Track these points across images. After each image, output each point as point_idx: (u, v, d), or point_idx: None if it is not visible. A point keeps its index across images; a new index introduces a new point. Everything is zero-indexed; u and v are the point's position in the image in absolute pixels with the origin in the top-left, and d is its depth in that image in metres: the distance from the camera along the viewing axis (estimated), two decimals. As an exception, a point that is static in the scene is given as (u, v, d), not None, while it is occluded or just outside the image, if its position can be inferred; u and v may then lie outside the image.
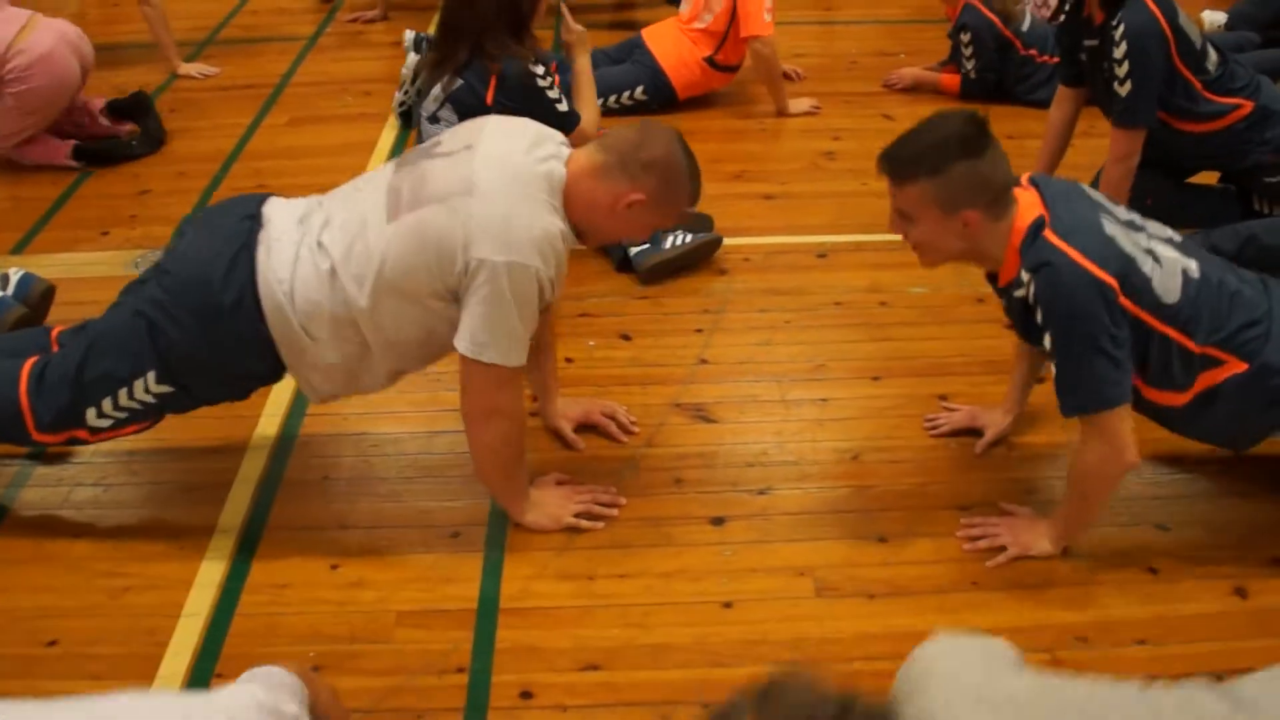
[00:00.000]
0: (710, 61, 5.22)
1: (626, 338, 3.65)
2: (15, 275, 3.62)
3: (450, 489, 3.03)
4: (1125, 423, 2.58)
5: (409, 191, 2.67)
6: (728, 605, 2.68)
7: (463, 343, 2.63)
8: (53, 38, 4.72)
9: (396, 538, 2.91)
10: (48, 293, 3.64)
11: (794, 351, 3.56)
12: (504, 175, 2.62)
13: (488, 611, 2.68)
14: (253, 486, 3.07)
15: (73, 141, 4.92)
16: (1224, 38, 5.41)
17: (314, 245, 2.70)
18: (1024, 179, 2.70)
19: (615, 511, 2.94)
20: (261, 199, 2.85)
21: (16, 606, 2.75)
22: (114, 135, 5.05)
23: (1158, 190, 3.92)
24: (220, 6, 6.83)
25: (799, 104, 5.23)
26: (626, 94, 5.19)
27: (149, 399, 2.79)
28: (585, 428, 3.25)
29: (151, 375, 2.75)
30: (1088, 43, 3.90)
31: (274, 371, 2.83)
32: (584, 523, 2.90)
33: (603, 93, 4.96)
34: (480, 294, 2.58)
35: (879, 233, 4.11)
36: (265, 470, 3.13)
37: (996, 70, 5.17)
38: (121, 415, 2.81)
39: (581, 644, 2.59)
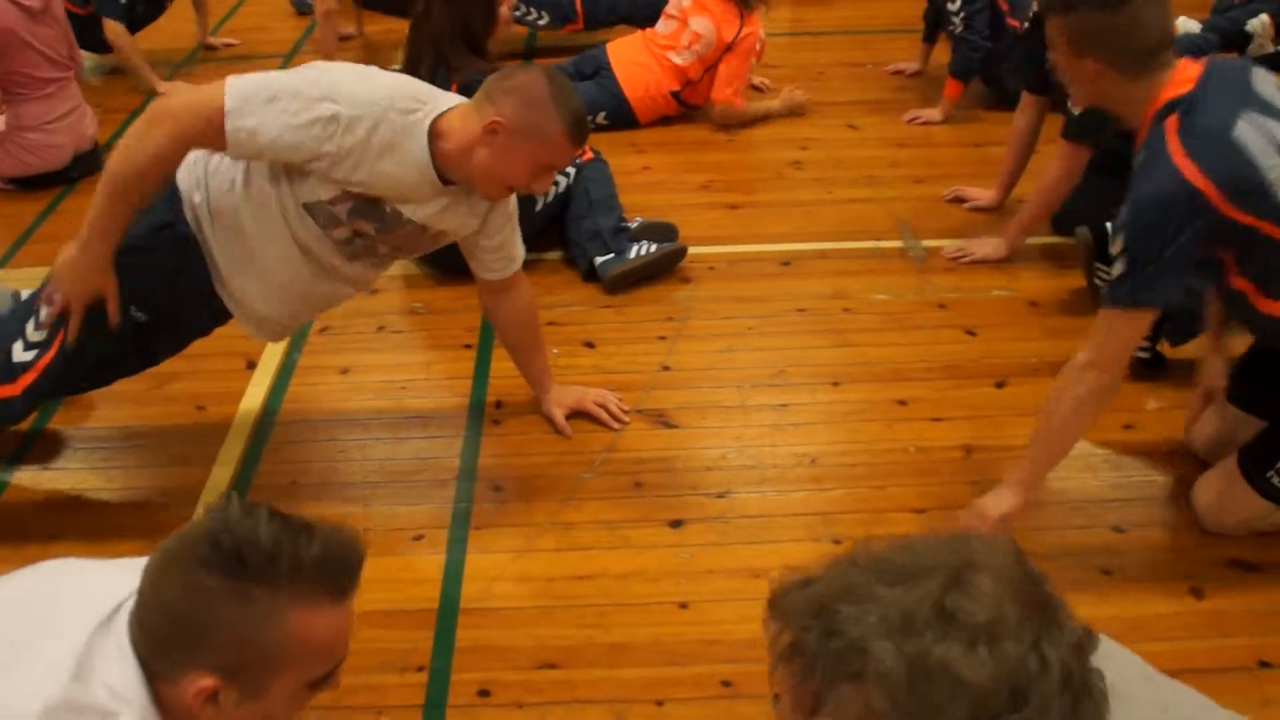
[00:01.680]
0: (676, 96, 5.26)
1: (590, 345, 3.69)
2: (26, 296, 3.66)
3: (415, 493, 3.08)
4: (1127, 334, 2.59)
5: None
6: (684, 606, 2.73)
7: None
8: (71, 139, 4.92)
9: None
10: None
11: (756, 358, 3.61)
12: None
13: (448, 612, 2.73)
14: (223, 490, 3.11)
15: None
16: (1188, 40, 5.45)
17: None
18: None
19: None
20: None
21: (-10, 609, 2.81)
22: None
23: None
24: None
25: (781, 104, 5.33)
26: (589, 118, 5.18)
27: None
28: (578, 414, 3.35)
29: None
30: (1051, 54, 3.93)
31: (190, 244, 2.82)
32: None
33: None
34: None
35: (844, 240, 4.21)
36: (235, 475, 3.18)
37: (987, 37, 5.04)
38: (41, 335, 2.81)
39: (540, 643, 2.64)
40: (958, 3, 5.06)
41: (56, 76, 4.86)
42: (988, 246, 4.06)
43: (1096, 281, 3.73)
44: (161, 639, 1.57)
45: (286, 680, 1.60)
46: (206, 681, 1.55)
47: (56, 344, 2.82)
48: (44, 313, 2.81)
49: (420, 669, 2.59)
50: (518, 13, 5.88)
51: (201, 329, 3.09)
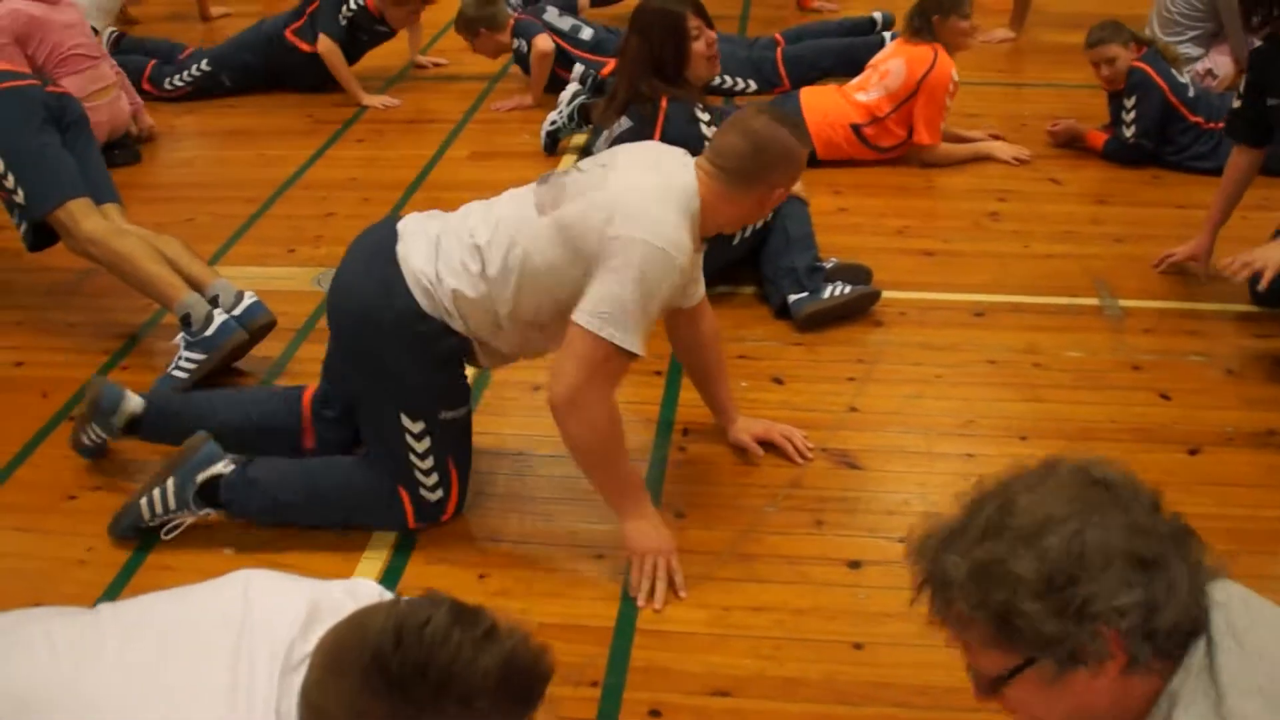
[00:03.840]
0: (856, 130, 5.22)
1: (779, 381, 3.72)
2: (247, 299, 3.82)
3: (597, 512, 3.12)
4: None
5: (550, 197, 2.84)
6: (859, 646, 2.73)
7: (582, 314, 2.72)
8: (108, 118, 5.49)
9: (543, 554, 3.03)
10: (268, 325, 3.84)
11: (944, 406, 3.59)
12: (640, 177, 2.82)
13: (624, 631, 2.78)
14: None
15: None
16: None
17: (457, 232, 2.89)
18: None
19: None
20: (394, 218, 3.05)
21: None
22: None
23: None
24: (409, 45, 7.10)
25: (1002, 149, 5.33)
26: None
27: (433, 432, 2.98)
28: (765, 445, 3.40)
29: (404, 419, 2.96)
30: None
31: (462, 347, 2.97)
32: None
33: None
34: (611, 265, 2.70)
35: (1039, 294, 4.16)
36: (425, 483, 3.26)
37: (1155, 138, 5.13)
38: (435, 478, 3.04)
39: (713, 670, 2.67)
40: (1132, 113, 5.12)
41: (86, 54, 5.39)
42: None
43: None
44: None
45: None
46: None
47: (453, 471, 3.05)
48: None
49: (594, 684, 2.64)
50: (726, 84, 6.01)
51: None
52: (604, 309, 2.69)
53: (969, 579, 1.50)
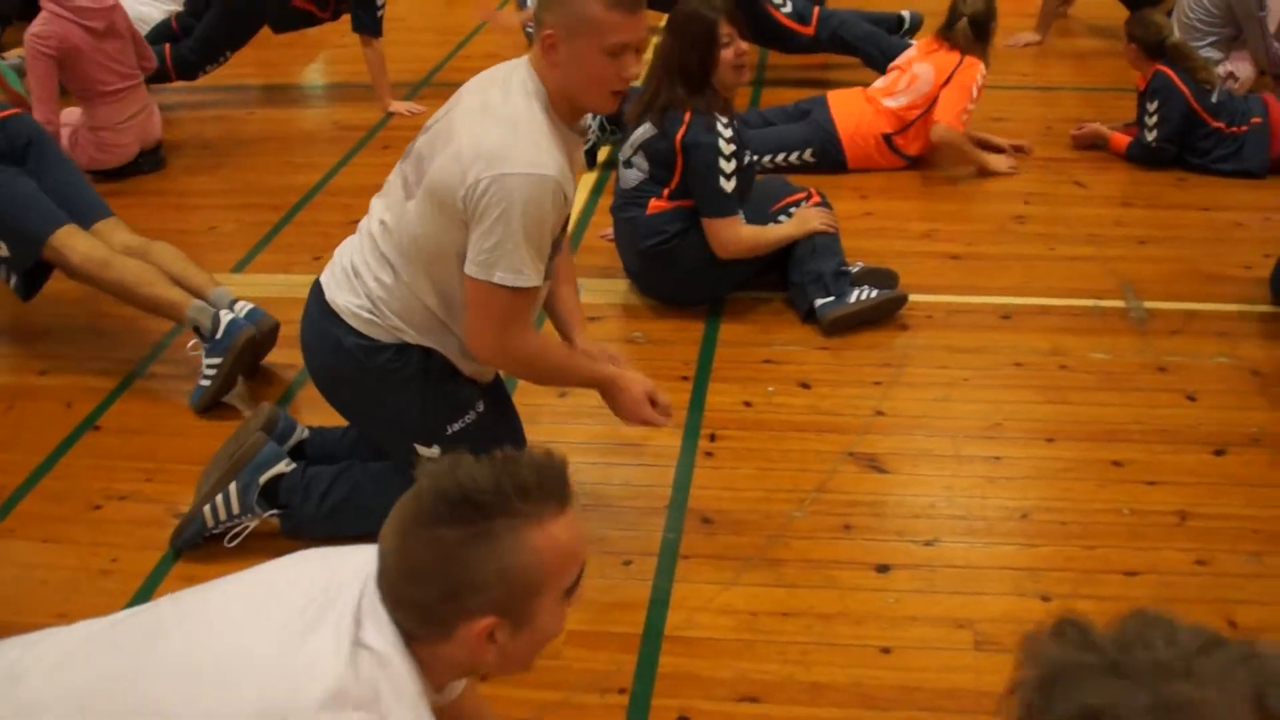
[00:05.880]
0: (887, 140, 5.20)
1: (805, 386, 3.71)
2: (245, 306, 3.80)
3: (625, 519, 3.14)
4: None
5: (412, 171, 2.77)
6: (886, 650, 2.73)
7: (470, 265, 2.64)
8: (137, 138, 5.50)
9: (570, 561, 3.02)
10: (272, 329, 3.81)
11: (970, 409, 3.59)
12: (480, 111, 2.69)
13: (652, 638, 2.78)
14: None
15: None
16: None
17: (361, 250, 2.85)
18: None
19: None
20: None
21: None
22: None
23: None
24: (436, 52, 7.12)
25: (998, 162, 5.24)
26: (795, 154, 5.19)
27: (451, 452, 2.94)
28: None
29: (420, 449, 2.92)
30: None
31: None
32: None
33: (771, 150, 5.11)
34: (482, 208, 2.59)
35: (1064, 297, 4.16)
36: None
37: (1176, 143, 5.10)
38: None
39: (741, 676, 2.67)
40: (1154, 116, 5.12)
41: (123, 85, 5.37)
42: None
43: None
44: (425, 605, 1.68)
45: (547, 598, 1.74)
46: (485, 621, 1.68)
47: None
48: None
49: (621, 691, 2.64)
50: None
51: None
52: (484, 256, 2.61)
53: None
